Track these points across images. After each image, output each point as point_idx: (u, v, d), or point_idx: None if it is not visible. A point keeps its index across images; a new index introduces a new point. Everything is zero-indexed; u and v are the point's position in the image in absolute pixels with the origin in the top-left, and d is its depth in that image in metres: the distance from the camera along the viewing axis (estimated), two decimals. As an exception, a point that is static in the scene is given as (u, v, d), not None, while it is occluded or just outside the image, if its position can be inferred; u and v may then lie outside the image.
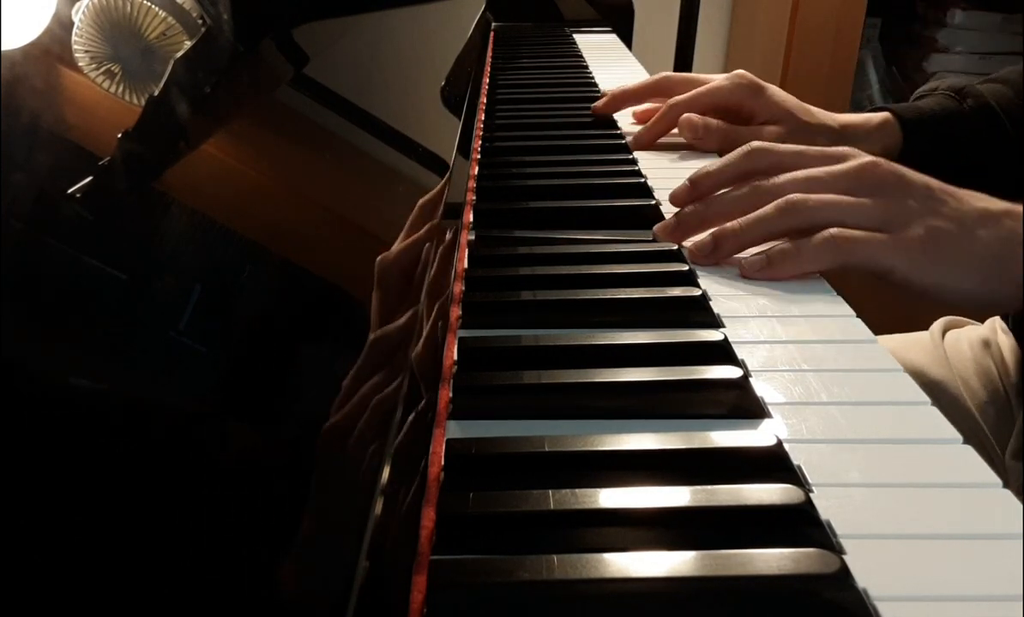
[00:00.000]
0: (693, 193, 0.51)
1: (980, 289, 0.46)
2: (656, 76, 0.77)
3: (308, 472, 0.25)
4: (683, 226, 0.50)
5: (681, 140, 0.72)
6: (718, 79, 0.72)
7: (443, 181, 0.49)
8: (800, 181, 0.49)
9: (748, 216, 0.48)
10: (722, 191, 0.51)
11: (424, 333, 0.35)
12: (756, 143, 0.52)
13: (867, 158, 0.49)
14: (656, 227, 0.51)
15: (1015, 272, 0.46)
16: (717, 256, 0.48)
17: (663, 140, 0.73)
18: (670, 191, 0.57)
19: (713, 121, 0.70)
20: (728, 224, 0.49)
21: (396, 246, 0.38)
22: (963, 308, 0.47)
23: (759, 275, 0.46)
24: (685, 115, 0.70)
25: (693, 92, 0.72)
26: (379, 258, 0.36)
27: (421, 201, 0.43)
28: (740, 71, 0.72)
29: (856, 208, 0.47)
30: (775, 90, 0.71)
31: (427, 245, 0.40)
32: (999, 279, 0.46)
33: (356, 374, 0.29)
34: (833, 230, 0.46)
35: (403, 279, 0.37)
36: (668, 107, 0.72)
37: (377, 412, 0.29)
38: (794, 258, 0.46)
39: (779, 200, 0.48)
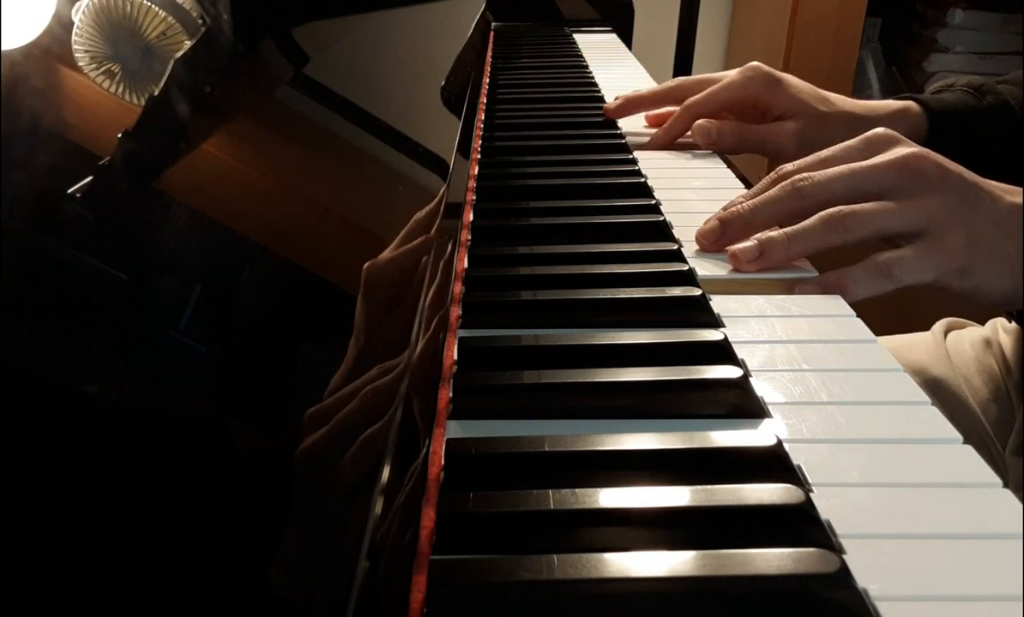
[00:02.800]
0: (723, 236, 0.50)
1: (1015, 287, 0.47)
2: (670, 82, 0.77)
3: (308, 472, 0.25)
4: (729, 234, 0.49)
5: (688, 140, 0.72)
6: (731, 75, 0.71)
7: (440, 194, 0.49)
8: (844, 180, 0.48)
9: (795, 228, 0.47)
10: (764, 197, 0.50)
11: (425, 334, 0.35)
12: (795, 177, 0.50)
13: (910, 149, 0.49)
14: (698, 232, 0.50)
15: None
16: (761, 265, 0.47)
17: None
18: (670, 192, 0.57)
19: (726, 124, 0.69)
20: (775, 234, 0.48)
21: (387, 253, 0.38)
22: (1001, 307, 0.48)
23: (817, 291, 0.45)
24: (697, 123, 0.70)
25: (707, 91, 0.71)
26: (367, 265, 0.36)
27: (417, 215, 0.43)
28: (754, 63, 0.71)
29: (899, 216, 0.46)
30: (791, 81, 0.70)
31: (423, 256, 0.40)
32: None
33: (355, 373, 0.29)
34: (878, 257, 0.46)
35: (392, 286, 0.37)
36: (684, 109, 0.71)
37: (377, 412, 0.29)
38: (843, 281, 0.45)
39: (824, 214, 0.47)
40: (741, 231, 0.49)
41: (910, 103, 0.70)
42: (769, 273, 0.47)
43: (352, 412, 0.28)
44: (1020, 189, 0.48)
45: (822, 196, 0.48)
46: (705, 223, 0.50)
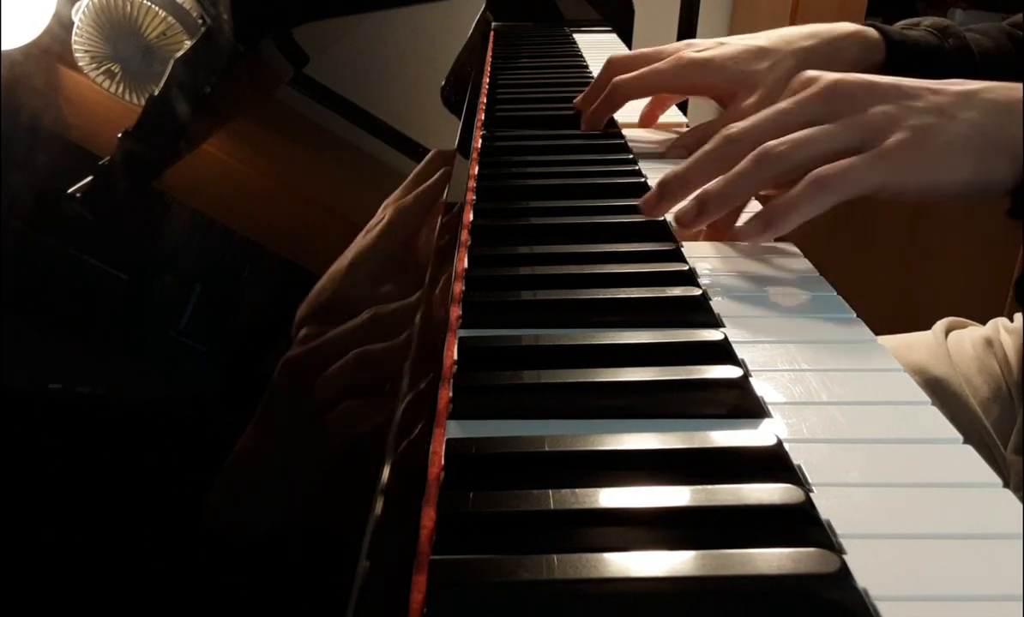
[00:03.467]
0: (661, 201, 0.50)
1: (976, 173, 0.45)
2: (606, 63, 0.73)
3: (308, 472, 0.25)
4: (665, 195, 0.49)
5: (668, 135, 0.71)
6: (661, 63, 0.69)
7: (443, 191, 0.49)
8: (771, 120, 0.48)
9: (727, 175, 0.47)
10: (697, 154, 0.49)
11: (425, 333, 0.35)
12: (724, 132, 0.50)
13: (830, 76, 0.48)
14: (641, 200, 0.50)
15: (1006, 143, 0.45)
16: (703, 220, 0.47)
17: (662, 139, 0.72)
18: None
19: (687, 135, 0.68)
20: (708, 185, 0.47)
21: (407, 198, 0.37)
22: (963, 198, 0.46)
23: (760, 238, 0.45)
24: (672, 147, 0.68)
25: (636, 74, 0.69)
26: (391, 203, 0.35)
27: (430, 155, 0.42)
28: (680, 52, 0.69)
29: (831, 135, 0.46)
30: (723, 55, 0.67)
31: (432, 212, 0.39)
32: (994, 155, 0.45)
33: (355, 373, 0.29)
34: (816, 171, 0.45)
35: (409, 238, 0.36)
36: (611, 88, 0.69)
37: (377, 411, 0.29)
38: (787, 211, 0.45)
39: (754, 153, 0.46)
40: (677, 190, 0.49)
41: (867, 29, 0.68)
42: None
43: (353, 413, 0.28)
44: (962, 81, 0.47)
45: (752, 139, 0.47)
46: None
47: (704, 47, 0.69)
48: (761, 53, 0.67)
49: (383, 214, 0.37)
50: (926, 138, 0.44)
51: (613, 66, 0.72)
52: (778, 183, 0.47)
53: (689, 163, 0.49)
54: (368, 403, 0.29)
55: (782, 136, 0.47)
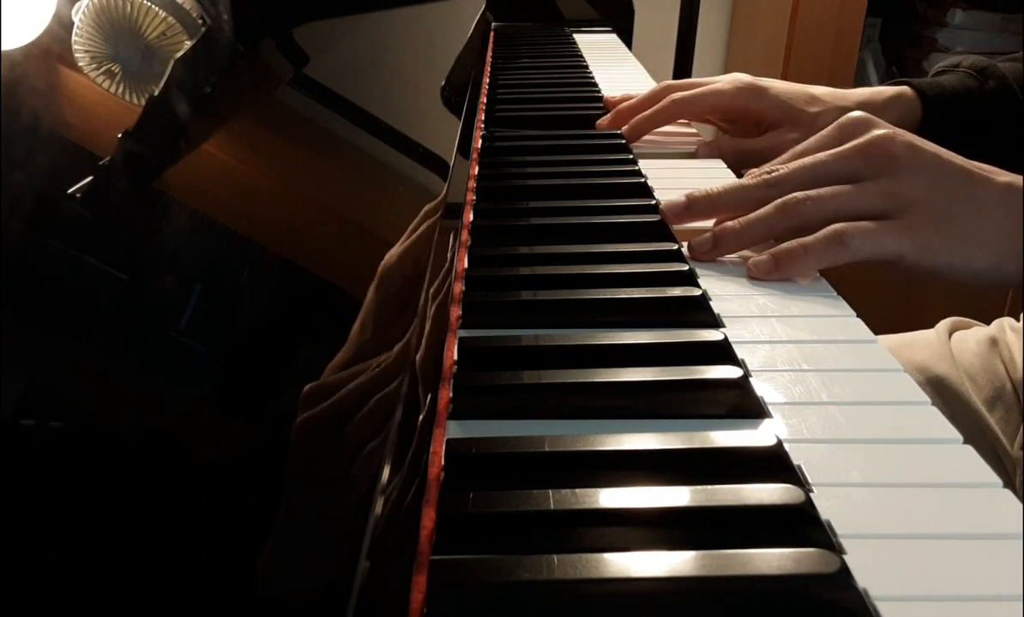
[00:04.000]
0: (687, 213, 0.51)
1: (991, 268, 0.46)
2: (659, 85, 0.76)
3: (308, 472, 0.25)
4: (692, 209, 0.50)
5: (678, 142, 0.72)
6: (720, 82, 0.71)
7: (443, 191, 0.49)
8: (808, 170, 0.48)
9: (749, 216, 0.48)
10: (734, 184, 0.51)
11: (425, 333, 0.35)
12: (764, 168, 0.51)
13: (879, 131, 0.48)
14: (664, 203, 0.51)
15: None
16: (714, 254, 0.48)
17: (661, 140, 0.73)
18: (671, 192, 0.57)
19: (725, 141, 0.70)
20: (729, 223, 0.49)
21: (397, 249, 0.38)
22: (973, 286, 0.46)
23: (768, 277, 0.46)
24: (703, 145, 0.70)
25: (695, 91, 0.71)
26: (383, 262, 0.36)
27: (426, 208, 0.43)
28: (738, 74, 0.72)
29: (860, 197, 0.46)
30: (778, 89, 0.70)
31: (428, 250, 0.40)
32: (1009, 249, 0.45)
33: (356, 373, 0.29)
34: (837, 226, 0.45)
35: (404, 283, 0.37)
36: (669, 102, 0.71)
37: (377, 412, 0.29)
38: (801, 258, 0.46)
39: (779, 201, 0.47)
40: (704, 210, 0.51)
41: (904, 89, 0.70)
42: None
43: (353, 413, 0.28)
44: (1006, 172, 0.48)
45: (787, 187, 0.48)
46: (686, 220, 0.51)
47: (760, 79, 0.72)
48: (812, 99, 0.70)
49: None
50: (949, 219, 0.45)
51: (670, 86, 0.74)
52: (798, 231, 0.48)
53: (724, 190, 0.51)
54: (368, 403, 0.29)
55: (819, 186, 0.47)
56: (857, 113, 0.51)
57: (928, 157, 0.47)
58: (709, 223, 0.51)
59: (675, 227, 0.52)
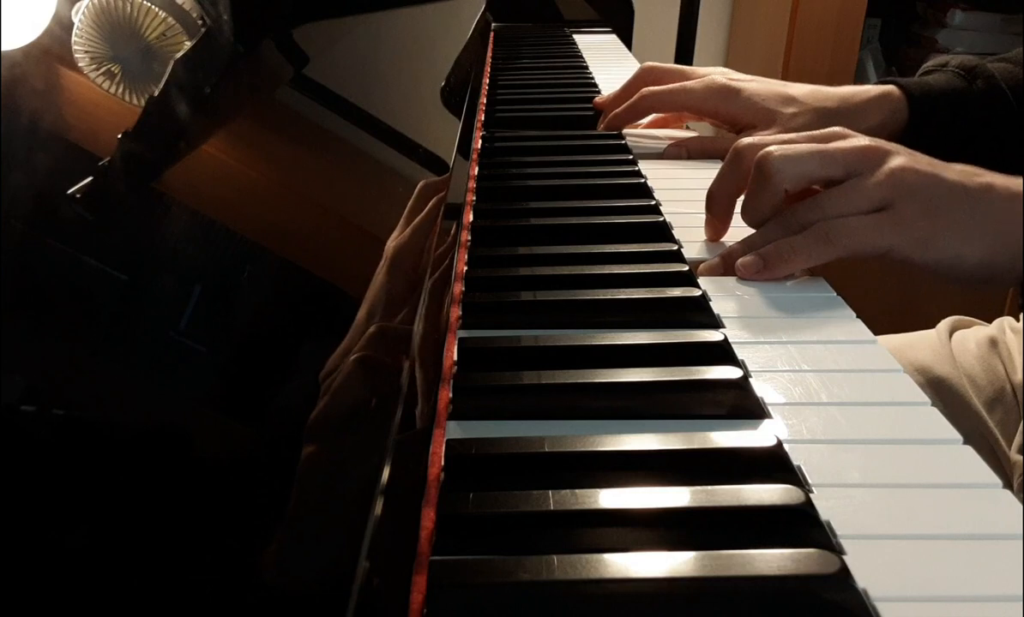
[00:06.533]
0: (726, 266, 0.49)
1: (981, 260, 0.45)
2: (640, 68, 0.75)
3: (308, 472, 0.25)
4: (768, 265, 0.48)
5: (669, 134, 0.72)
6: (692, 81, 0.70)
7: (447, 175, 0.49)
8: (839, 202, 0.47)
9: (791, 243, 0.46)
10: (767, 226, 0.49)
11: (424, 332, 0.35)
12: (791, 214, 0.49)
13: (863, 141, 0.48)
14: (702, 267, 0.49)
15: (1014, 238, 0.45)
16: (765, 275, 0.47)
17: (660, 141, 0.73)
18: (670, 192, 0.57)
19: (693, 142, 0.69)
20: (772, 246, 0.47)
21: (405, 231, 0.38)
22: (965, 283, 0.46)
23: (757, 277, 0.46)
24: (669, 145, 0.69)
25: (666, 88, 0.70)
26: (391, 242, 0.35)
27: (423, 183, 0.42)
28: (714, 76, 0.70)
29: (847, 194, 0.46)
30: (752, 90, 0.68)
31: (430, 237, 0.40)
32: (1001, 248, 0.45)
33: (359, 362, 0.29)
34: (825, 223, 0.45)
35: (413, 265, 0.36)
36: (639, 98, 0.71)
37: (377, 412, 0.29)
38: (788, 257, 0.45)
39: (815, 228, 0.46)
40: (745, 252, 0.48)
41: (891, 88, 0.68)
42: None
43: (353, 413, 0.28)
44: (991, 172, 0.47)
45: (817, 217, 0.46)
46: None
47: (736, 77, 0.70)
48: (788, 100, 0.68)
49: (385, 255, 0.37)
50: (942, 217, 0.45)
51: (645, 75, 0.74)
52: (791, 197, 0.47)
53: (761, 233, 0.49)
54: (369, 404, 0.29)
55: (839, 204, 0.46)
56: (839, 128, 0.50)
57: (915, 159, 0.46)
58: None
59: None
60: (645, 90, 0.71)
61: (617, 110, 0.72)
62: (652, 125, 0.77)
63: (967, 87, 0.68)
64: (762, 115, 0.67)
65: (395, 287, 0.34)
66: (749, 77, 0.71)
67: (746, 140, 0.50)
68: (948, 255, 0.45)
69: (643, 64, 0.76)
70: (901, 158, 0.47)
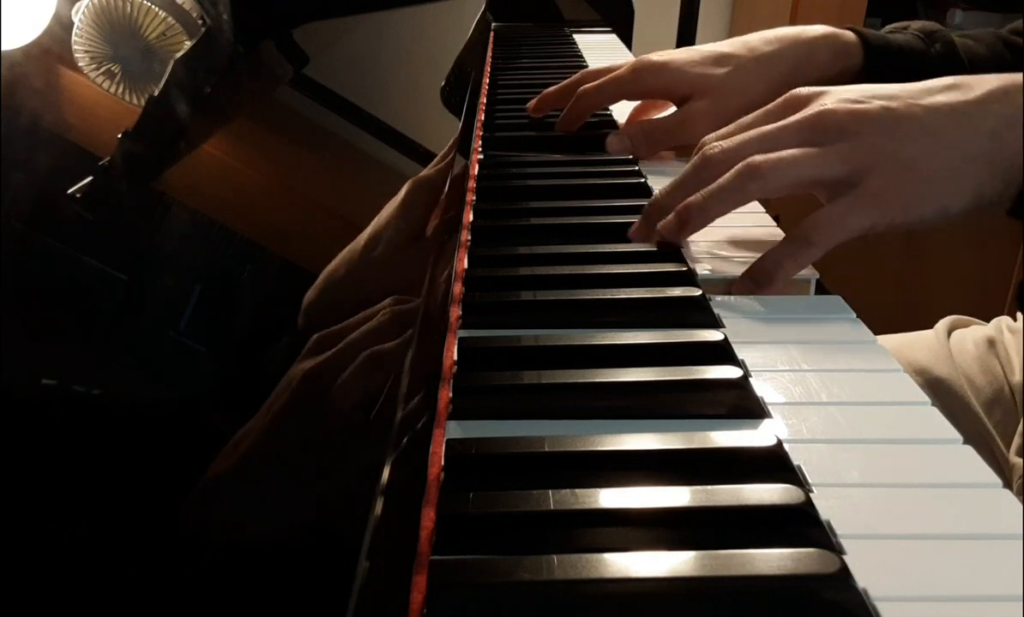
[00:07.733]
0: (646, 227, 0.49)
1: (967, 204, 0.44)
2: (575, 75, 0.74)
3: (308, 472, 0.25)
4: (650, 223, 0.48)
5: None
6: (620, 69, 0.69)
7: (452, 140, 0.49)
8: (754, 142, 0.46)
9: (710, 189, 0.46)
10: (677, 179, 0.49)
11: (423, 332, 0.35)
12: (705, 148, 0.49)
13: (816, 107, 0.47)
14: (631, 231, 0.49)
15: (1002, 159, 0.44)
16: (684, 233, 0.47)
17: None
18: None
19: (634, 129, 0.67)
20: (690, 198, 0.46)
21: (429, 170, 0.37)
22: (959, 221, 0.44)
23: (753, 293, 0.45)
24: (608, 138, 0.67)
25: (598, 82, 0.69)
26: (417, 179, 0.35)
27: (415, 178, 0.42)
28: (641, 57, 0.68)
29: (820, 160, 0.44)
30: (680, 59, 0.66)
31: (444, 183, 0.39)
32: (988, 177, 0.44)
33: (358, 376, 0.29)
34: (800, 227, 0.44)
35: (429, 206, 0.36)
36: (575, 99, 0.69)
37: (377, 412, 0.29)
38: (773, 270, 0.44)
39: (740, 166, 0.45)
40: (657, 216, 0.48)
41: (844, 31, 0.66)
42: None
43: (353, 412, 0.28)
44: (952, 78, 0.46)
45: (735, 160, 0.46)
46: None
47: (663, 52, 0.69)
48: (720, 59, 0.66)
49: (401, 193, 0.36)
50: (912, 174, 0.44)
51: (580, 79, 0.72)
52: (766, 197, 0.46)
53: (669, 189, 0.48)
54: (369, 404, 0.29)
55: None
56: (803, 90, 0.49)
57: (875, 112, 0.45)
58: None
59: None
60: (580, 90, 0.69)
61: (562, 117, 0.70)
62: (629, 119, 0.77)
63: (925, 49, 0.67)
64: (694, 82, 0.65)
65: (407, 221, 0.34)
66: (678, 50, 0.69)
67: (716, 145, 0.48)
68: (930, 209, 0.44)
69: (577, 74, 0.73)
70: (861, 117, 0.45)
